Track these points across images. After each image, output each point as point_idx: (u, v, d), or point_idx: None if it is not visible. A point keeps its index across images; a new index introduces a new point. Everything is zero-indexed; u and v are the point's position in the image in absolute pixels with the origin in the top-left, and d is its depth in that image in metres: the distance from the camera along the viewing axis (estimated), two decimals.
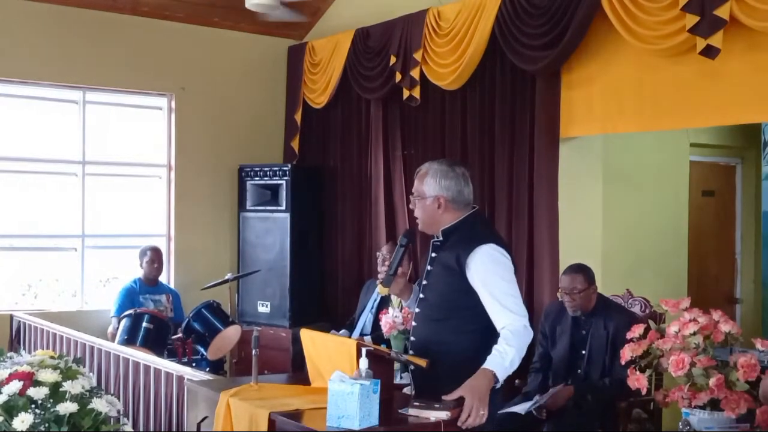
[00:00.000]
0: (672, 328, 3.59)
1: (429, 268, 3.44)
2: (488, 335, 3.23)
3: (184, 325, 6.24)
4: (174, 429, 4.35)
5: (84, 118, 7.03)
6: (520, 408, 4.63)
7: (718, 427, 3.15)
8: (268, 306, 7.28)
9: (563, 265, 5.16)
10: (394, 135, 6.77)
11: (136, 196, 7.40)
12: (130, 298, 6.64)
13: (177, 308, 6.85)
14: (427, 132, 6.48)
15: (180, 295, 7.01)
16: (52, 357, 3.51)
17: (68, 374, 3.32)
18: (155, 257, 6.83)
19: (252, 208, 7.41)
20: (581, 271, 4.85)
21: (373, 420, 2.98)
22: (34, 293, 7.02)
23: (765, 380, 3.21)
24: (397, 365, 4.78)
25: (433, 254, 3.44)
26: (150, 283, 6.81)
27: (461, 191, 3.37)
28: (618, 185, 5.84)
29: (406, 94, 6.34)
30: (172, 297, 6.86)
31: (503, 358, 3.14)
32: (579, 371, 4.83)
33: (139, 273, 6.84)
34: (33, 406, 3.12)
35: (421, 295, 3.45)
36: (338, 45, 7.07)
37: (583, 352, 4.82)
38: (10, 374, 3.23)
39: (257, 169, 7.38)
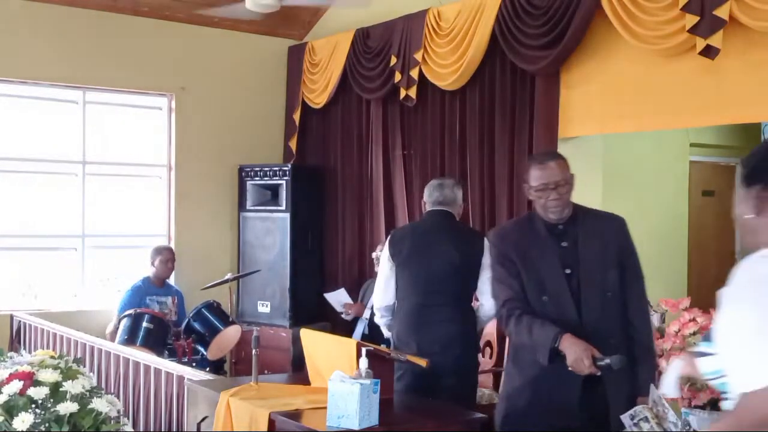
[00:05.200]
0: (672, 328, 3.61)
1: None
2: None
3: (184, 324, 6.23)
4: (174, 429, 4.35)
5: (84, 118, 7.02)
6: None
7: None
8: (268, 306, 7.28)
9: None
10: (394, 135, 6.77)
11: (136, 196, 7.39)
12: (137, 297, 6.56)
13: (180, 310, 6.76)
14: (427, 132, 6.48)
15: (184, 296, 6.97)
16: (52, 357, 3.51)
17: (68, 374, 3.32)
18: (170, 256, 6.77)
19: (252, 208, 7.41)
20: (558, 155, 3.48)
21: (373, 420, 2.98)
22: (34, 293, 7.01)
23: None
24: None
25: None
26: (158, 284, 6.72)
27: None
28: (618, 185, 5.83)
29: (402, 93, 6.34)
30: (177, 299, 6.79)
31: None
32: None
33: (147, 272, 6.73)
34: (33, 406, 3.12)
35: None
36: (338, 45, 7.07)
37: (568, 270, 3.36)
38: (11, 374, 3.23)
39: (257, 169, 7.38)
